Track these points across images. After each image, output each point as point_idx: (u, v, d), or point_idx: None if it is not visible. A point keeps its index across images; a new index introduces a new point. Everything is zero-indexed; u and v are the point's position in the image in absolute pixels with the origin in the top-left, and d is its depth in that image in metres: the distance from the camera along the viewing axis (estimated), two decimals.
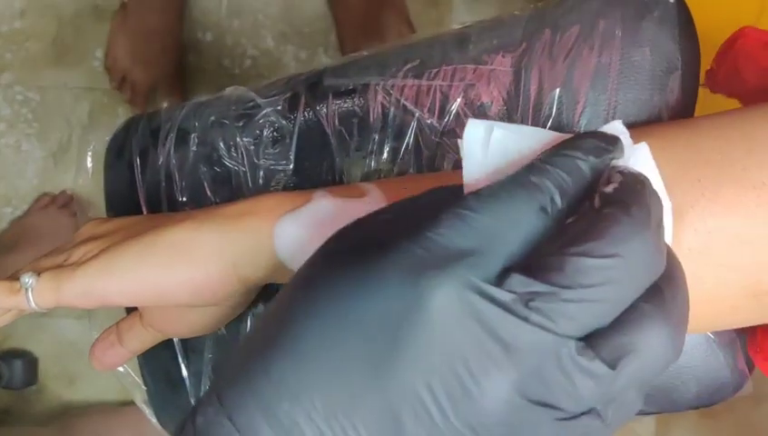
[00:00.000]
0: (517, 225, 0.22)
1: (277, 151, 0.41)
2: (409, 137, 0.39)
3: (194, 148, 0.43)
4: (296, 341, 0.21)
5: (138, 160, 0.46)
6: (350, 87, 0.40)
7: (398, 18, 1.11)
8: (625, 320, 0.22)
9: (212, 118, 0.43)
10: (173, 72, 1.11)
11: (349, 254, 0.23)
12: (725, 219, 0.29)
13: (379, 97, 0.40)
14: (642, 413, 0.39)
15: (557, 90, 0.37)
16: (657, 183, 0.26)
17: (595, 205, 0.23)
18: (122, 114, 1.12)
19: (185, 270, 0.34)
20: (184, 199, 0.43)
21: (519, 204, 0.22)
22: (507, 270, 0.22)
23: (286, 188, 0.41)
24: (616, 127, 0.26)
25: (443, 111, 0.39)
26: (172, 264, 0.34)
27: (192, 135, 0.43)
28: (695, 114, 0.38)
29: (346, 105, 0.40)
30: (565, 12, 0.38)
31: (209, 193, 0.43)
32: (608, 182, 0.24)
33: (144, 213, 0.45)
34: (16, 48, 1.13)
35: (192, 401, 0.45)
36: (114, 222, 0.39)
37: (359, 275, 0.22)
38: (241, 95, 0.43)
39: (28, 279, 0.36)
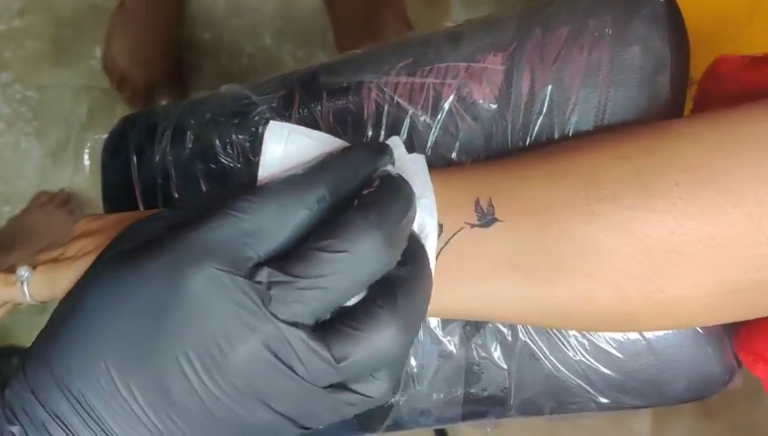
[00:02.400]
0: (283, 222, 0.26)
1: None
2: (403, 134, 0.39)
3: (190, 145, 0.43)
4: (81, 331, 0.25)
5: (135, 157, 0.46)
6: (345, 85, 0.41)
7: (396, 17, 1.11)
8: (359, 318, 0.26)
9: (208, 116, 0.43)
10: (172, 71, 1.11)
11: (123, 255, 0.26)
12: (702, 222, 0.30)
13: (373, 95, 0.40)
14: (632, 407, 0.40)
15: (549, 88, 0.37)
16: (424, 187, 0.31)
17: (354, 205, 0.27)
18: (120, 113, 1.12)
19: None
20: (180, 196, 0.44)
21: (287, 205, 0.26)
22: (264, 262, 0.25)
23: None
24: (394, 141, 0.31)
25: (436, 108, 0.39)
26: None
27: (188, 133, 0.44)
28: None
29: (340, 103, 0.41)
30: (554, 11, 0.38)
31: (204, 189, 0.43)
32: (370, 185, 0.28)
33: (141, 209, 0.45)
34: (15, 47, 1.13)
35: None
36: (109, 218, 0.40)
37: (130, 273, 0.25)
38: (237, 93, 0.44)
39: (24, 272, 0.37)
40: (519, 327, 0.39)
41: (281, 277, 0.25)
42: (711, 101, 0.41)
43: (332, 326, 0.26)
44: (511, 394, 0.40)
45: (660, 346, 0.38)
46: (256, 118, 0.42)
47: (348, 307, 0.27)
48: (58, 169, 1.13)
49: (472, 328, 0.40)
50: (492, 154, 0.38)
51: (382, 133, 0.40)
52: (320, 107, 0.41)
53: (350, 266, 0.25)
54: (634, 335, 0.38)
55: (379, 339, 0.26)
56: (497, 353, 0.39)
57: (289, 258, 0.25)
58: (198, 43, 1.13)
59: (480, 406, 0.41)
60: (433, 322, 0.40)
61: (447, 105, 0.39)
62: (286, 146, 0.29)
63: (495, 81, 0.38)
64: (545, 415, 0.41)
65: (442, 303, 0.34)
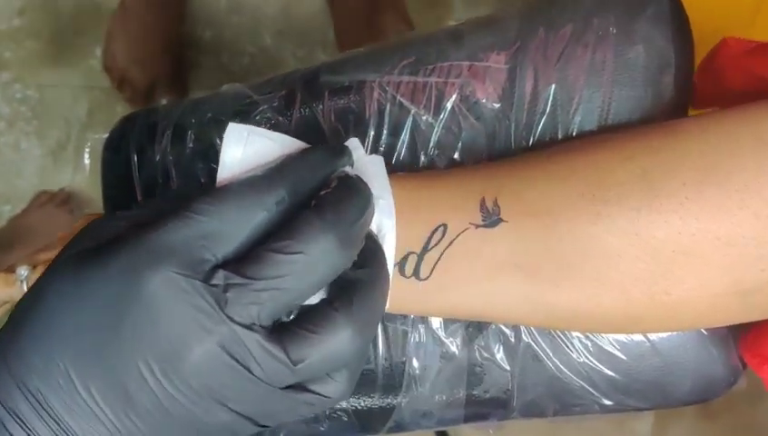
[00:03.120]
0: (242, 224, 0.26)
1: None
2: (405, 134, 0.39)
3: (191, 145, 0.43)
4: (40, 330, 0.26)
5: (135, 157, 0.46)
6: (347, 84, 0.41)
7: (397, 18, 1.11)
8: (315, 321, 0.26)
9: (209, 115, 0.43)
10: (173, 70, 1.11)
11: (83, 254, 0.26)
12: (708, 222, 0.29)
13: (375, 94, 0.40)
14: (635, 409, 0.40)
15: (552, 87, 0.37)
16: (382, 188, 0.31)
17: (311, 206, 0.27)
18: (120, 113, 1.11)
19: None
20: None
21: (245, 207, 0.26)
22: (221, 264, 0.26)
23: None
24: (353, 143, 0.31)
25: (439, 107, 0.39)
26: None
27: (189, 132, 0.43)
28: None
29: (342, 102, 0.40)
30: (558, 10, 0.38)
31: None
32: (328, 185, 0.28)
33: None
34: (15, 46, 1.13)
35: None
36: None
37: (89, 273, 0.26)
38: (238, 92, 0.43)
39: (23, 271, 0.37)
40: (522, 328, 0.39)
41: (237, 279, 0.25)
42: (710, 84, 0.40)
43: (289, 329, 0.26)
44: (514, 396, 0.40)
45: (664, 348, 0.38)
46: (257, 117, 0.42)
47: (305, 308, 0.27)
48: (58, 168, 1.13)
49: (475, 329, 0.39)
50: (495, 154, 0.38)
51: (384, 132, 0.39)
52: (321, 106, 0.41)
53: (306, 267, 0.26)
54: (638, 337, 0.38)
55: (335, 342, 0.26)
56: (499, 355, 0.39)
57: (245, 260, 0.26)
58: (198, 42, 1.13)
59: (483, 408, 0.40)
60: (435, 323, 0.39)
61: (449, 105, 0.38)
62: (245, 148, 0.29)
63: (498, 80, 0.38)
64: (548, 417, 0.40)
65: (445, 303, 0.34)
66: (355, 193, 0.28)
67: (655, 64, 0.37)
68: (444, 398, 0.40)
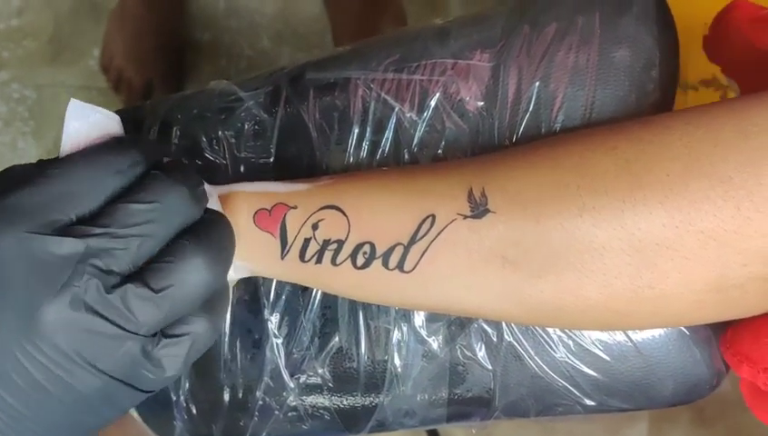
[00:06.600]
0: (95, 185, 0.27)
1: (258, 144, 0.41)
2: (389, 131, 0.39)
3: (176, 141, 0.43)
4: None
5: None
6: (332, 81, 0.41)
7: (395, 22, 1.11)
8: (169, 254, 0.28)
9: (195, 111, 0.43)
10: (170, 71, 1.11)
11: None
12: (692, 214, 0.29)
13: (360, 91, 0.40)
14: (619, 410, 0.40)
15: (536, 86, 0.37)
16: None
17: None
18: None
19: None
20: None
21: (97, 168, 0.28)
22: (77, 222, 0.27)
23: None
24: None
25: (422, 105, 0.39)
26: None
27: (175, 128, 0.43)
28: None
29: (327, 99, 0.40)
30: (543, 8, 0.38)
31: None
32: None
33: None
34: (13, 46, 1.13)
35: (173, 397, 0.45)
36: None
37: None
38: (224, 89, 0.43)
39: None
40: (504, 327, 0.38)
41: (96, 230, 0.26)
42: (717, 43, 0.40)
43: (145, 268, 0.28)
44: (496, 396, 0.39)
45: (647, 348, 0.38)
46: (243, 114, 0.42)
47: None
48: None
49: (457, 327, 0.39)
50: (478, 152, 0.38)
51: (368, 129, 0.39)
52: (306, 104, 0.41)
53: (162, 215, 0.28)
54: (620, 337, 0.38)
55: (190, 267, 0.28)
56: (481, 353, 0.39)
57: (102, 213, 0.27)
58: (197, 44, 1.13)
59: (465, 407, 0.40)
60: (418, 320, 0.39)
61: (433, 102, 0.38)
62: (89, 124, 0.30)
63: (482, 78, 0.38)
64: (531, 417, 0.40)
65: (429, 296, 0.34)
66: (189, 164, 0.31)
67: (640, 63, 0.37)
68: (426, 397, 0.40)
